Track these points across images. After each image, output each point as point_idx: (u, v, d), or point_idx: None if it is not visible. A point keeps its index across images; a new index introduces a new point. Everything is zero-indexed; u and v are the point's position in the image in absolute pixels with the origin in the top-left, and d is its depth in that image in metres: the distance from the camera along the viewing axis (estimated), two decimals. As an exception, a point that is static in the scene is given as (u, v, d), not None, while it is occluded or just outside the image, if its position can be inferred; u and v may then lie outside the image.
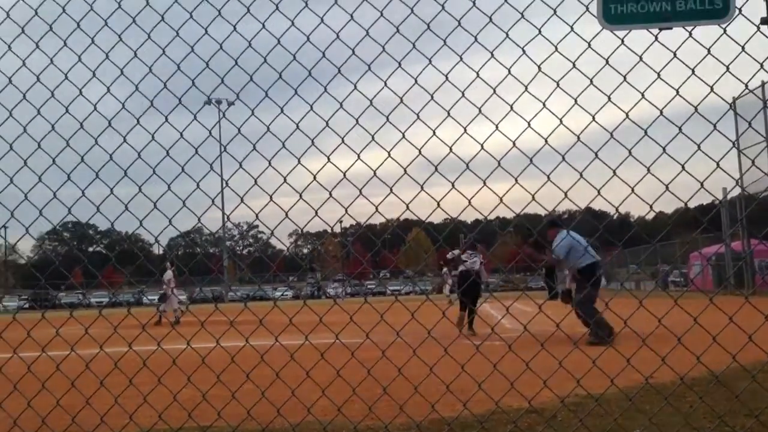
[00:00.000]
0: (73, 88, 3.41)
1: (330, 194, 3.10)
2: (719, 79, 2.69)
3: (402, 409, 3.63)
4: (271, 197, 3.12)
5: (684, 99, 2.71)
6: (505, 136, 2.84)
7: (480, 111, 2.87)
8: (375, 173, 3.01)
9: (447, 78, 2.90)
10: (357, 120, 2.99)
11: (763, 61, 2.66)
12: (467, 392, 3.89)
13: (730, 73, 2.69)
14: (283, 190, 3.21)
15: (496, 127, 2.87)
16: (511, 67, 2.84)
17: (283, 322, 3.32)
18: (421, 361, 3.27)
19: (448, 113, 2.89)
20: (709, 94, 2.70)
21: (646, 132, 2.74)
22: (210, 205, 3.39)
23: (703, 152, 2.69)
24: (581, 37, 2.76)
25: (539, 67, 2.79)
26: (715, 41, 2.70)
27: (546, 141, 2.83)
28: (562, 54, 2.78)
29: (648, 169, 2.68)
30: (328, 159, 3.06)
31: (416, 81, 2.95)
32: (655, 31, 2.73)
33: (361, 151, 3.03)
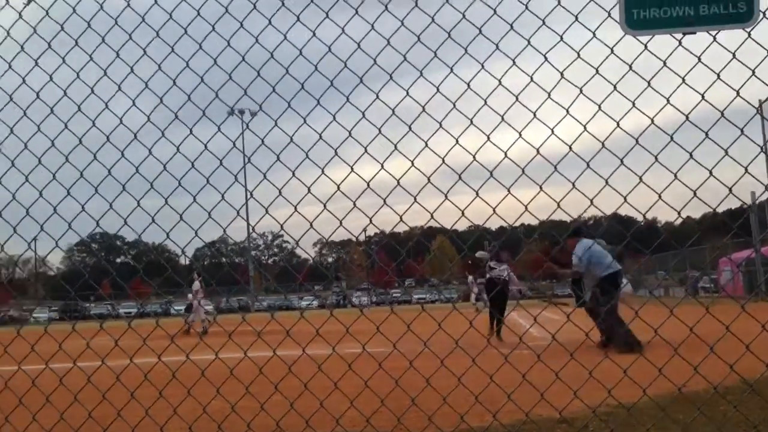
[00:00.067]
0: (99, 101, 3.46)
1: (354, 204, 3.09)
2: (745, 83, 2.65)
3: (431, 420, 3.60)
4: (295, 208, 3.13)
5: (710, 104, 2.67)
6: (529, 143, 2.82)
7: (503, 119, 2.85)
8: (399, 183, 3.01)
9: (469, 86, 2.89)
10: (380, 130, 2.99)
11: (791, 64, 2.61)
12: (496, 402, 3.86)
13: (756, 77, 2.64)
14: (307, 198, 3.22)
15: (520, 134, 2.85)
16: (533, 74, 2.82)
17: (310, 331, 3.32)
18: (450, 372, 3.24)
19: (471, 121, 2.88)
20: (735, 98, 2.66)
21: (672, 138, 2.71)
22: (235, 217, 3.41)
23: (731, 157, 2.65)
24: (604, 43, 2.74)
25: (562, 74, 2.77)
26: (740, 45, 2.66)
27: (570, 148, 2.81)
28: (585, 60, 2.76)
29: (675, 176, 2.65)
30: (352, 169, 3.06)
31: (438, 90, 2.95)
32: (679, 35, 2.69)
33: (384, 161, 3.03)
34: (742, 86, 2.66)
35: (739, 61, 2.66)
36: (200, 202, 3.40)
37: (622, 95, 2.71)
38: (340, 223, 3.13)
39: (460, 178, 2.91)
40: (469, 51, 2.92)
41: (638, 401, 3.58)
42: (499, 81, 2.84)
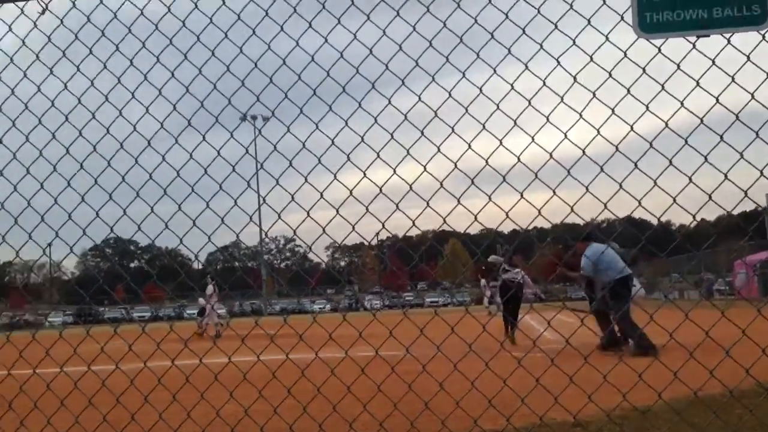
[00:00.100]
0: (113, 108, 3.48)
1: (367, 209, 3.10)
2: (760, 85, 2.63)
3: (444, 424, 3.60)
4: (308, 213, 3.14)
5: (724, 107, 2.65)
6: (542, 148, 2.82)
7: (515, 123, 2.85)
8: (411, 187, 3.01)
9: (481, 91, 2.89)
10: (392, 135, 3.00)
11: (806, 66, 2.59)
12: (510, 406, 3.85)
13: (770, 79, 2.63)
14: (320, 203, 3.22)
15: (533, 139, 2.85)
16: (546, 78, 2.81)
17: (323, 335, 3.33)
18: (463, 376, 3.24)
19: (483, 126, 2.88)
20: (750, 101, 2.64)
21: (686, 141, 2.69)
22: (248, 222, 3.42)
23: (746, 161, 2.63)
24: (617, 47, 2.73)
25: (575, 78, 2.76)
26: (755, 48, 2.64)
27: (584, 152, 2.80)
28: (598, 64, 2.75)
29: (690, 179, 2.63)
30: (365, 174, 3.07)
31: (450, 95, 2.95)
32: (693, 38, 2.68)
33: (396, 166, 3.03)
34: (757, 89, 2.64)
35: (753, 63, 2.65)
36: (213, 207, 3.42)
37: (637, 99, 2.70)
38: (353, 228, 3.13)
39: (473, 182, 2.91)
40: (480, 55, 2.92)
41: (653, 405, 3.56)
42: (512, 86, 2.84)
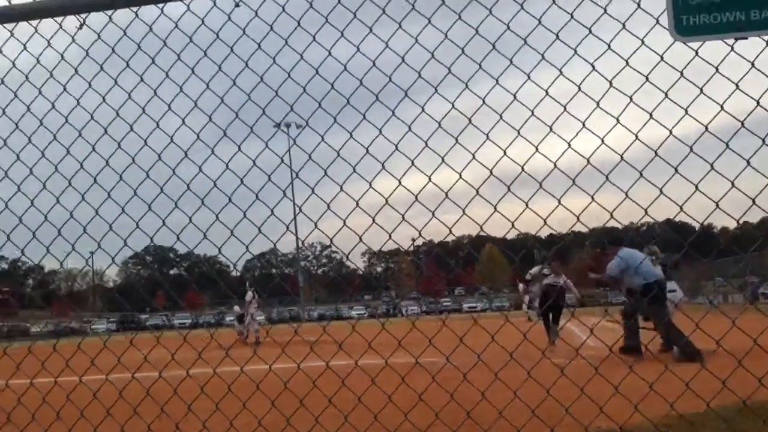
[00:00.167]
0: (150, 120, 3.53)
1: (403, 217, 3.09)
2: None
3: (485, 433, 3.56)
4: (344, 222, 3.14)
5: (765, 109, 2.58)
6: (579, 154, 2.77)
7: (551, 129, 2.81)
8: (447, 195, 2.99)
9: (515, 97, 2.86)
10: (426, 143, 2.98)
11: None
12: (554, 416, 3.78)
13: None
14: (355, 209, 3.22)
15: (569, 145, 2.81)
16: (581, 83, 2.77)
17: (362, 342, 3.33)
18: (504, 385, 3.20)
19: (518, 132, 2.85)
20: (792, 103, 2.57)
21: (728, 145, 2.62)
22: (285, 232, 3.44)
23: (789, 164, 2.55)
24: (654, 51, 2.67)
25: (611, 83, 2.71)
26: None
27: (622, 157, 2.75)
28: (635, 69, 2.70)
29: (732, 183, 2.56)
30: (399, 183, 3.06)
31: (484, 101, 2.92)
32: (730, 41, 2.61)
33: (431, 174, 3.02)
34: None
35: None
36: (250, 215, 3.44)
37: (675, 103, 2.64)
38: (390, 236, 3.12)
39: (509, 189, 2.88)
40: (514, 61, 2.90)
41: (701, 413, 3.47)
42: (546, 92, 2.80)
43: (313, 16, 3.16)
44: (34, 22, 3.39)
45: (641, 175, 2.69)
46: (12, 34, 3.48)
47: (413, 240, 4.05)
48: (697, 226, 2.90)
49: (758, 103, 2.58)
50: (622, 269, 10.26)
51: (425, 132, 3.01)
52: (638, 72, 2.68)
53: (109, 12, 3.31)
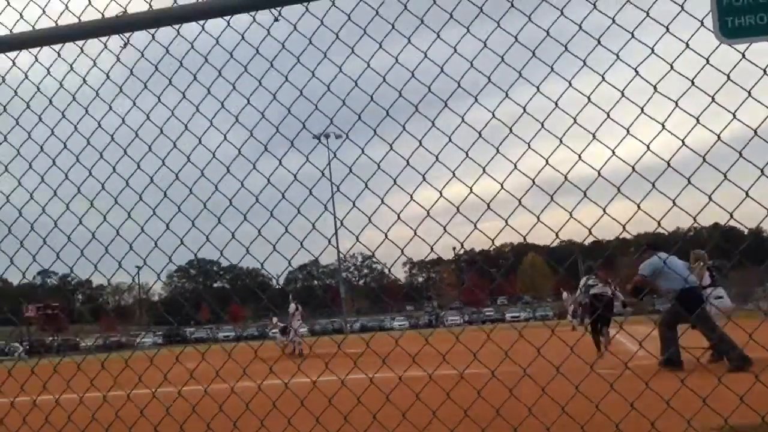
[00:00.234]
0: (192, 137, 3.58)
1: (444, 229, 3.06)
2: None
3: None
4: (386, 235, 3.13)
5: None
6: (624, 162, 2.71)
7: (594, 137, 2.76)
8: (489, 206, 2.96)
9: (557, 105, 2.81)
10: (467, 153, 2.95)
11: None
12: (603, 431, 3.68)
13: None
14: (395, 218, 3.20)
15: (613, 152, 2.75)
16: (624, 89, 2.71)
17: (405, 354, 3.30)
18: (552, 399, 3.13)
19: (561, 141, 2.80)
20: None
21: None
22: (326, 246, 3.44)
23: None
24: (699, 54, 2.60)
25: (655, 87, 2.65)
26: None
27: (668, 164, 2.68)
28: (679, 73, 2.63)
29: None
30: (441, 194, 3.03)
31: (525, 110, 2.89)
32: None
33: (472, 185, 2.99)
34: None
35: None
36: (291, 228, 3.45)
37: (723, 107, 2.56)
38: (431, 248, 3.09)
39: (552, 199, 2.83)
40: (554, 68, 2.85)
41: (755, 426, 3.35)
42: (588, 98, 2.75)
43: (351, 30, 3.17)
44: (80, 43, 3.47)
45: (689, 182, 2.61)
46: (59, 55, 3.56)
47: (454, 249, 4.02)
48: (746, 230, 2.81)
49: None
50: (654, 270, 10.08)
51: (465, 141, 2.98)
52: (684, 77, 2.61)
53: (152, 30, 3.37)
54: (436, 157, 3.01)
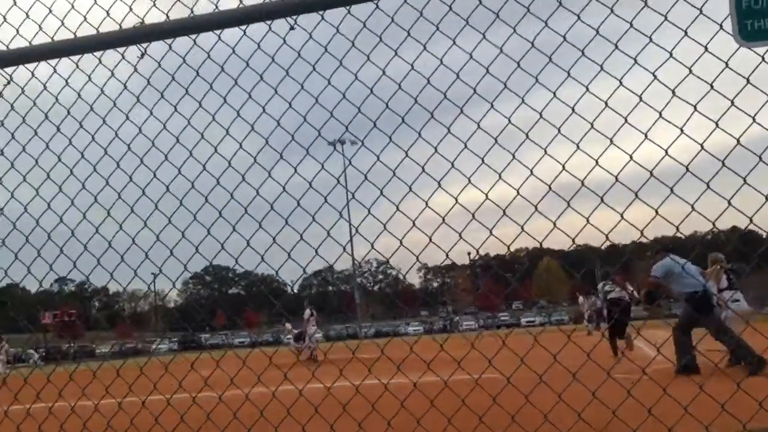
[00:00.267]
0: (208, 145, 3.59)
1: (460, 236, 3.05)
2: None
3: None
4: (401, 242, 3.13)
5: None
6: (642, 166, 2.69)
7: (611, 142, 2.74)
8: (504, 212, 2.95)
9: (574, 110, 2.80)
10: (483, 160, 2.94)
11: None
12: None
13: None
14: (410, 224, 3.20)
15: (631, 157, 2.73)
16: (642, 93, 2.70)
17: (420, 361, 3.29)
18: (568, 406, 3.11)
19: (578, 146, 2.78)
20: None
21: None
22: (341, 253, 3.44)
23: None
24: (718, 58, 2.58)
25: (673, 92, 2.63)
26: None
27: (687, 169, 2.66)
28: (699, 78, 2.61)
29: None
30: (456, 200, 3.03)
31: (541, 115, 2.88)
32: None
33: (488, 191, 2.98)
34: None
35: None
36: (306, 234, 3.46)
37: (743, 111, 2.54)
38: (447, 255, 3.09)
39: (569, 205, 2.81)
40: (570, 73, 2.84)
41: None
42: (606, 103, 2.74)
43: (367, 38, 3.18)
44: (98, 54, 3.50)
45: (708, 186, 2.59)
46: (77, 66, 3.59)
47: (469, 254, 4.00)
48: (764, 234, 2.78)
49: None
50: (666, 271, 10.06)
51: (481, 147, 2.98)
52: (703, 80, 2.60)
53: (169, 41, 3.39)
54: (452, 164, 3.00)
